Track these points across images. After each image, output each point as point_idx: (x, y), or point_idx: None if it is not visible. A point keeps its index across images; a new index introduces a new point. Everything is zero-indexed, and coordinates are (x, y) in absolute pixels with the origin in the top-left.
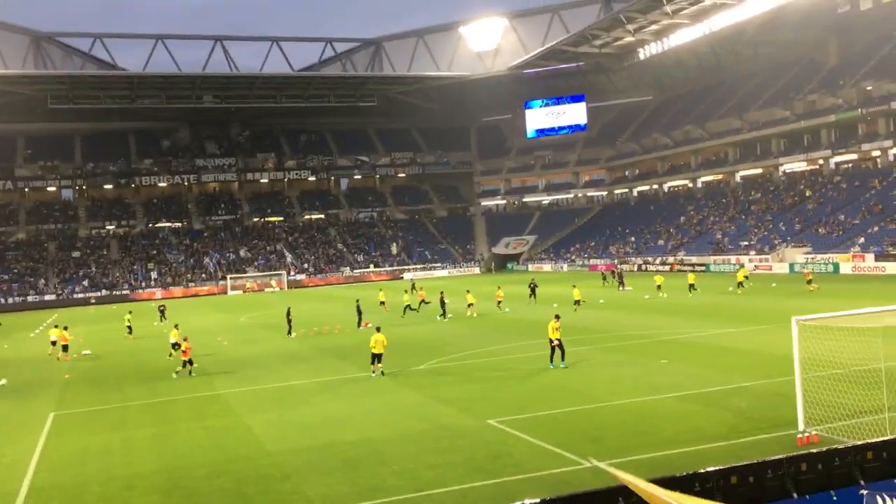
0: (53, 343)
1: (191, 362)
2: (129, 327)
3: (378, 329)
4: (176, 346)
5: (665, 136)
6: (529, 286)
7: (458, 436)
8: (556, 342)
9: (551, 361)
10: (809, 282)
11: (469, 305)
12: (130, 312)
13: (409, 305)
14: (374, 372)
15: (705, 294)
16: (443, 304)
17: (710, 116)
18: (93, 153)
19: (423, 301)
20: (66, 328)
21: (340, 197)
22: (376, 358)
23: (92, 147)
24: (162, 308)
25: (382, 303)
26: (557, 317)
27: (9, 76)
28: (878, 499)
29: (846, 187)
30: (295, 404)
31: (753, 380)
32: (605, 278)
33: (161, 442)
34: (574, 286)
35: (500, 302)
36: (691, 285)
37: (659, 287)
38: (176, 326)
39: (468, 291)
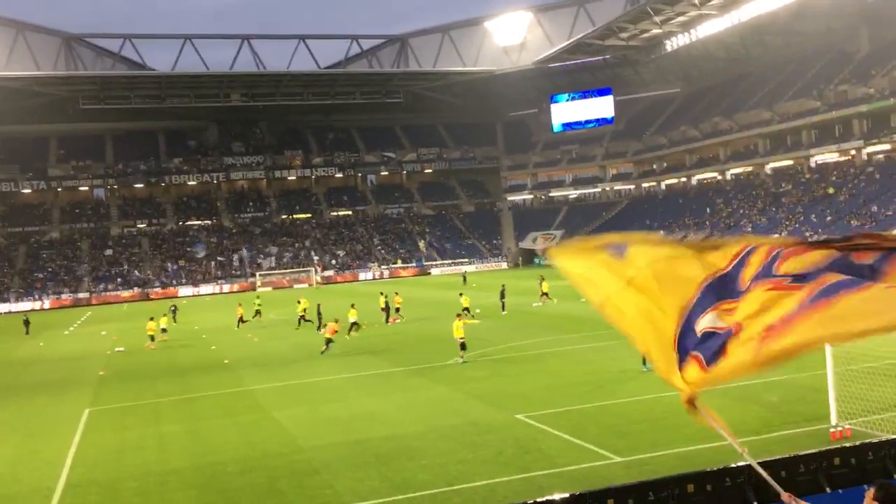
0: (164, 330)
1: (331, 341)
2: (258, 311)
3: (458, 316)
4: (355, 324)
5: (693, 128)
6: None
7: (487, 431)
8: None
9: (644, 364)
10: None
11: (390, 308)
12: (258, 297)
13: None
14: (461, 358)
15: None
16: (502, 296)
17: (739, 108)
18: (123, 153)
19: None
20: (151, 318)
21: (367, 193)
22: (461, 345)
23: (123, 147)
24: (174, 308)
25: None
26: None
27: (41, 77)
28: None
29: (879, 178)
30: (325, 400)
31: (785, 374)
32: None
33: (194, 438)
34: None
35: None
36: None
37: None
38: (353, 306)
39: (382, 294)
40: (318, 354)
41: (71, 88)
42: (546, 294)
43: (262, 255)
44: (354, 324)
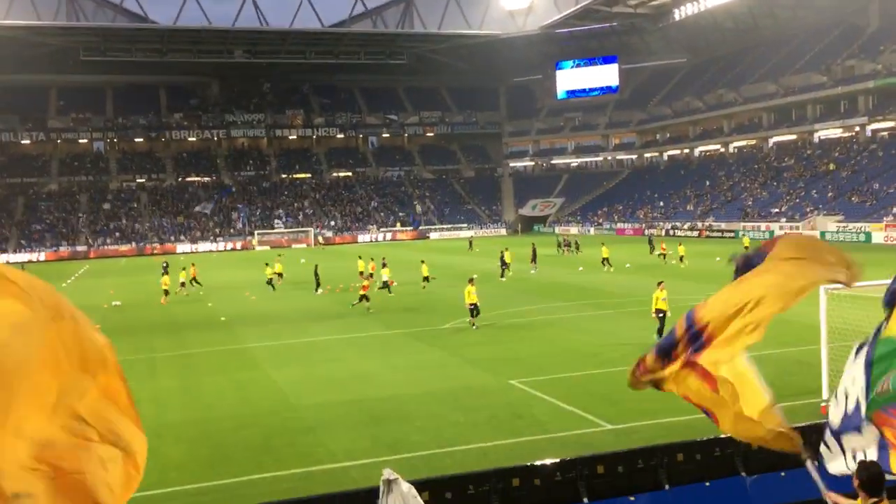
0: (182, 284)
1: (367, 298)
2: (280, 274)
3: (470, 281)
4: (386, 283)
5: (698, 99)
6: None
7: (481, 395)
8: (661, 314)
9: (660, 335)
10: (665, 256)
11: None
12: (280, 255)
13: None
14: (473, 325)
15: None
16: (503, 263)
17: (744, 80)
18: (124, 106)
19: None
20: (165, 273)
21: (368, 155)
22: (473, 309)
23: (123, 100)
24: (165, 265)
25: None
26: (661, 284)
27: (42, 27)
28: None
29: (882, 155)
30: (320, 360)
31: (779, 348)
32: (559, 246)
33: (189, 393)
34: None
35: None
36: (681, 257)
37: (681, 258)
38: (384, 266)
39: (360, 258)
40: (312, 315)
41: (71, 39)
42: (505, 263)
43: (260, 214)
44: (386, 283)
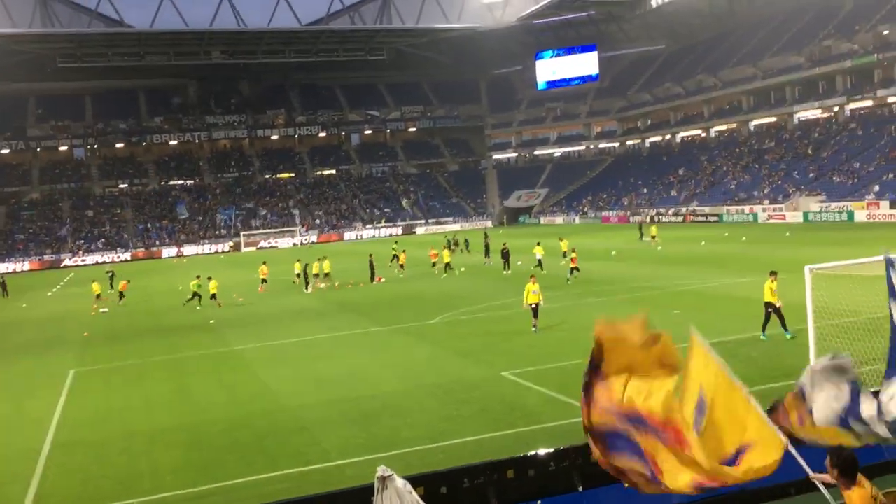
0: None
1: (577, 269)
2: (395, 255)
3: (532, 277)
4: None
5: (678, 85)
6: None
7: (472, 388)
8: (771, 307)
9: (763, 331)
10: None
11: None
12: (396, 242)
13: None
14: (534, 326)
15: (717, 244)
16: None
17: (723, 65)
18: (103, 112)
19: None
20: (264, 262)
21: (351, 152)
22: (535, 309)
23: (102, 105)
24: (111, 274)
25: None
26: (774, 274)
27: (17, 35)
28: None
29: (861, 134)
30: (311, 359)
31: (768, 330)
32: (448, 245)
33: (180, 397)
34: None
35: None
36: (653, 237)
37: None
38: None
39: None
40: (301, 314)
41: (48, 46)
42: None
43: (245, 215)
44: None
